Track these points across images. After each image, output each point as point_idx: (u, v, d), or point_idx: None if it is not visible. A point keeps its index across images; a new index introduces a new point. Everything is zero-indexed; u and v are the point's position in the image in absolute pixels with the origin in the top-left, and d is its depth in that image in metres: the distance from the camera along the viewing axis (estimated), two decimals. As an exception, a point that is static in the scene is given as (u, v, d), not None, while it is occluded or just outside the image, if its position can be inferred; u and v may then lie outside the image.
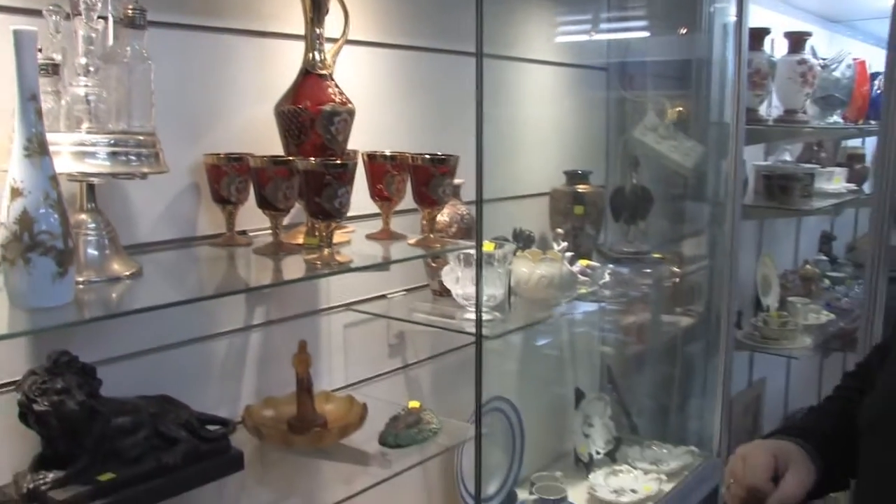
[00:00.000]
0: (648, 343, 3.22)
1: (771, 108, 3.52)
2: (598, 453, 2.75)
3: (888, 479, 1.12)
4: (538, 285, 2.04)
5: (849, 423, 1.28)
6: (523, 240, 2.28)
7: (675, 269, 3.17)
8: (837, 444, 1.28)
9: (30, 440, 1.40)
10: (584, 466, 2.68)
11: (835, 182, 3.91)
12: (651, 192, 2.73)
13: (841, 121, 3.63)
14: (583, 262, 2.31)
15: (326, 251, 1.50)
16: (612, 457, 2.77)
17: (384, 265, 1.67)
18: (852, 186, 3.98)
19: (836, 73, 3.55)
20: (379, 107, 1.98)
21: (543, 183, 2.57)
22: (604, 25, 2.94)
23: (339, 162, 1.48)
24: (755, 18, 3.08)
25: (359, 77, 1.91)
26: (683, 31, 3.05)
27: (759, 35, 3.11)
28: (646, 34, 3.11)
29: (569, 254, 2.27)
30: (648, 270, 2.86)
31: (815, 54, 3.44)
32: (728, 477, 1.30)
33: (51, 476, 1.35)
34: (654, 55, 3.04)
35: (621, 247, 2.70)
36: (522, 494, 2.43)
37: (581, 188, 2.48)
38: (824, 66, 3.52)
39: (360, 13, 1.85)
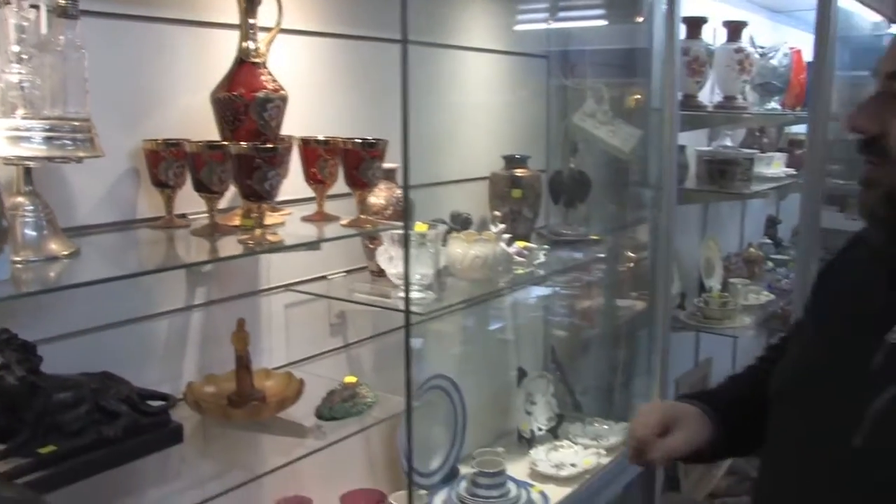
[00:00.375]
0: (596, 325, 3.32)
1: (714, 95, 3.64)
2: (540, 430, 2.85)
3: (792, 445, 1.18)
4: (472, 265, 2.13)
5: (758, 392, 1.36)
6: (461, 222, 2.36)
7: (631, 254, 3.27)
8: (742, 410, 1.36)
9: (-27, 415, 1.46)
10: (527, 442, 2.77)
11: (774, 167, 4.04)
12: (589, 177, 2.83)
13: (779, 107, 3.75)
14: (520, 244, 2.40)
15: (258, 231, 1.57)
16: (554, 433, 2.87)
17: (315, 244, 1.73)
18: (791, 171, 4.11)
19: (774, 62, 3.67)
20: (317, 93, 2.05)
21: (485, 167, 2.65)
22: (545, 15, 3.03)
23: (268, 146, 1.55)
24: (699, 8, 3.20)
25: (297, 65, 1.97)
26: (640, 19, 3.15)
27: (696, 24, 3.22)
28: (587, 23, 3.19)
29: (506, 235, 2.36)
30: (602, 255, 2.96)
31: (753, 43, 3.56)
32: (627, 432, 1.40)
33: (-8, 449, 1.42)
34: (595, 44, 3.13)
35: (560, 229, 2.79)
36: (465, 470, 2.51)
37: (519, 172, 2.56)
38: (762, 55, 3.64)
39: (295, 2, 1.91)
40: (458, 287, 2.17)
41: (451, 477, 2.49)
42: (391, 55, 2.12)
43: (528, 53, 2.90)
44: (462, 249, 2.13)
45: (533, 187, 2.57)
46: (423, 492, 2.34)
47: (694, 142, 3.75)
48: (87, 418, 1.52)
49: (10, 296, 1.26)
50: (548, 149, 3.00)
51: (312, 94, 2.03)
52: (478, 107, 2.69)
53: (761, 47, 3.64)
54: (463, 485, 2.40)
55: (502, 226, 2.33)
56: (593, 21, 3.23)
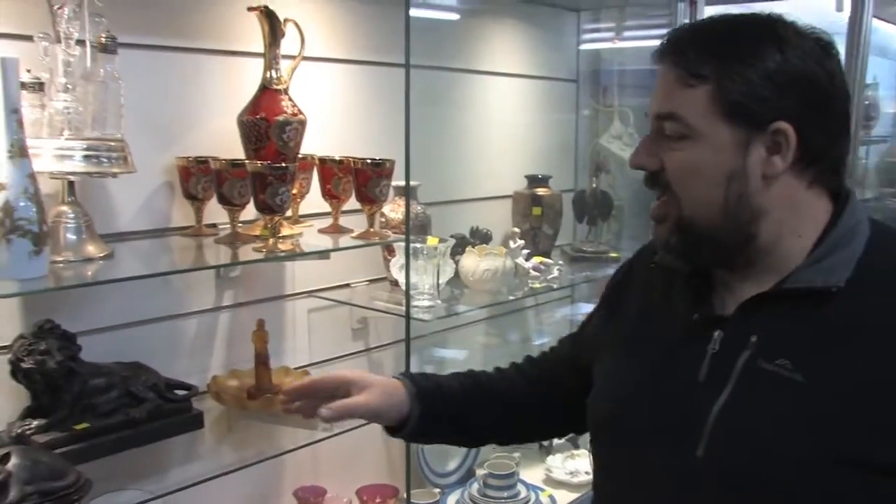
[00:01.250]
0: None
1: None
2: (559, 439, 2.97)
3: (614, 476, 1.25)
4: (482, 277, 2.29)
5: (479, 390, 1.44)
6: (480, 237, 2.52)
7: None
8: (447, 398, 1.40)
9: (21, 396, 1.68)
10: (545, 450, 2.90)
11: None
12: (611, 196, 2.95)
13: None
14: (536, 259, 2.55)
15: (271, 241, 1.76)
16: (573, 442, 2.98)
17: (323, 252, 1.91)
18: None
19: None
20: (340, 116, 2.24)
21: (510, 186, 2.81)
22: (575, 38, 3.16)
23: (279, 165, 1.74)
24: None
25: (320, 90, 2.16)
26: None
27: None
28: (619, 45, 3.30)
29: (525, 251, 2.52)
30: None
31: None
32: None
33: (35, 424, 1.63)
34: (628, 65, 3.24)
35: (582, 246, 2.92)
36: (480, 472, 2.65)
37: (540, 191, 2.71)
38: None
39: (319, 32, 2.10)
40: (470, 298, 2.33)
41: (466, 478, 2.64)
42: (420, 79, 2.31)
43: (558, 78, 3.05)
44: (474, 262, 2.30)
45: (553, 206, 2.71)
46: (436, 490, 2.50)
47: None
48: (117, 401, 1.73)
49: (46, 289, 1.48)
50: (576, 169, 3.15)
51: (337, 116, 2.23)
52: (506, 128, 2.85)
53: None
54: (475, 486, 2.55)
55: (521, 241, 2.49)
56: (626, 42, 3.33)
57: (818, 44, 1.09)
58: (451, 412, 1.41)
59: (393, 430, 1.39)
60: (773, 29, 1.08)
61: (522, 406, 1.46)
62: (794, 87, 1.06)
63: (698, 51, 1.09)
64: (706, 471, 1.09)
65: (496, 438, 1.57)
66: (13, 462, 1.41)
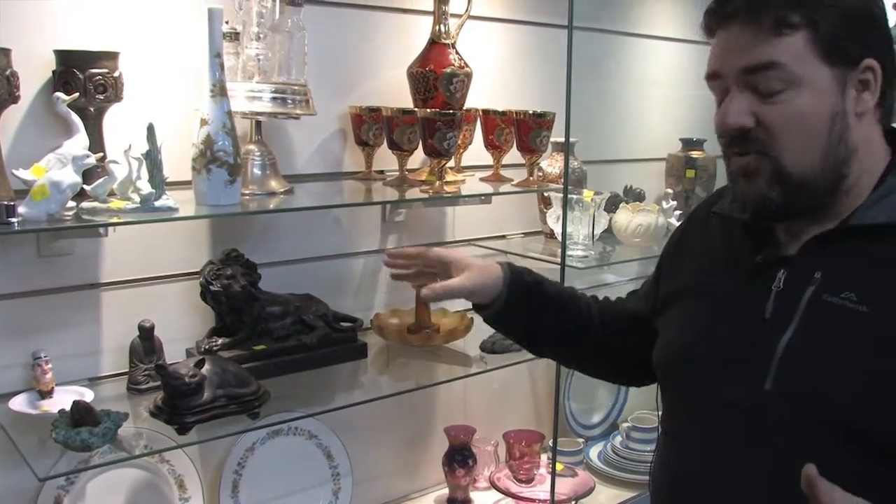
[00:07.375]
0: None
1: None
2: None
3: (683, 417, 1.27)
4: (634, 232, 2.33)
5: (571, 303, 1.44)
6: (633, 196, 2.56)
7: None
8: (538, 297, 1.41)
9: (207, 317, 1.86)
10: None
11: None
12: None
13: None
14: (689, 220, 2.56)
15: (437, 183, 1.87)
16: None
17: (486, 196, 2.00)
18: None
19: None
20: (503, 72, 2.33)
21: (664, 149, 2.82)
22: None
23: (448, 112, 1.84)
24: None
25: (485, 47, 2.25)
26: None
27: None
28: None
29: (677, 212, 2.54)
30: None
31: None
32: None
33: (220, 341, 1.81)
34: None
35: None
36: (625, 426, 2.69)
37: (694, 154, 2.71)
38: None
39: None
40: (620, 254, 2.38)
41: (610, 430, 2.70)
42: (581, 40, 2.36)
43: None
44: (627, 217, 2.34)
45: (706, 168, 2.71)
46: (580, 440, 2.57)
47: None
48: (291, 328, 1.90)
49: (238, 213, 1.64)
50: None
51: (499, 73, 2.31)
52: (663, 91, 2.86)
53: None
54: (618, 438, 2.60)
55: (673, 202, 2.51)
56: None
57: None
58: (533, 310, 1.42)
59: (480, 307, 1.41)
60: None
61: (588, 336, 1.47)
62: (872, 23, 1.10)
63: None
64: (774, 403, 1.12)
65: (554, 355, 1.62)
66: (207, 368, 1.59)
